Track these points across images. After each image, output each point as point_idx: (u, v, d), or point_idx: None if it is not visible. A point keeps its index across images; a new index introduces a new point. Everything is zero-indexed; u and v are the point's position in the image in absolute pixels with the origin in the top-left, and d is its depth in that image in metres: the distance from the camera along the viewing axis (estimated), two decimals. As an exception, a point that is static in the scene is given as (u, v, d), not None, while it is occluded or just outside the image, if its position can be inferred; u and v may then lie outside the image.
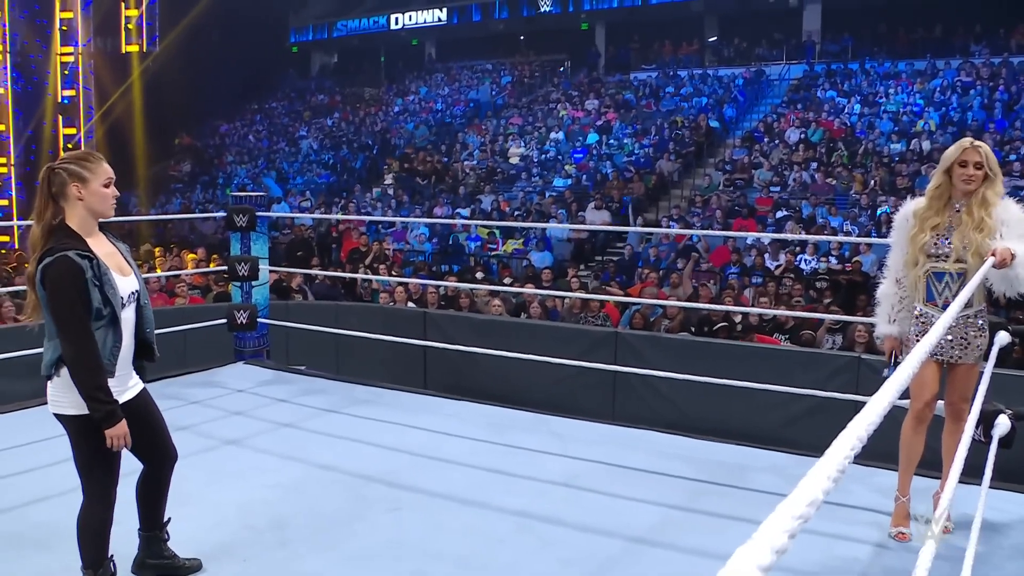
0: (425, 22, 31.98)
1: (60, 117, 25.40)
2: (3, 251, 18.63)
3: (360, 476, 4.51)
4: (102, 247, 3.06)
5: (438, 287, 10.80)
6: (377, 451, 4.93)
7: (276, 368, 7.17)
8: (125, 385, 3.14)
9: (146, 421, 3.23)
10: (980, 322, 3.66)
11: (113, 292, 2.98)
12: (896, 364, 3.83)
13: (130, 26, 25.60)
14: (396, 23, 32.15)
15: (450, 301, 10.69)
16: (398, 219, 17.94)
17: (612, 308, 9.86)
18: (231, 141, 29.25)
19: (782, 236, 11.97)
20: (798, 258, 12.63)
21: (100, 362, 2.95)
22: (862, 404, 4.42)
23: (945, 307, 3.62)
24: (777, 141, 19.08)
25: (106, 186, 3.04)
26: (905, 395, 3.83)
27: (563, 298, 10.08)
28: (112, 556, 3.10)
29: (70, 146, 24.57)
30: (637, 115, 22.81)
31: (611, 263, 14.03)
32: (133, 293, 3.12)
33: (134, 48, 25.84)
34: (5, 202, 24.46)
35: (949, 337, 3.64)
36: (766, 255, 12.92)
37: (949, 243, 3.59)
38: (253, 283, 7.27)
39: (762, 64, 25.04)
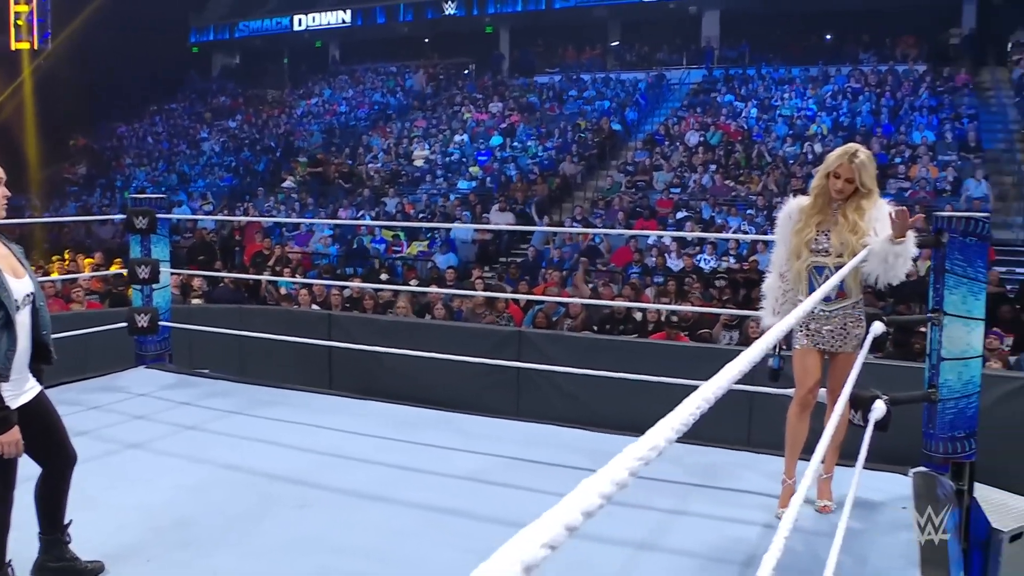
0: (329, 24, 31.70)
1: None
2: None
3: (266, 476, 4.53)
4: None
5: (342, 289, 10.78)
6: (283, 451, 4.95)
7: (179, 372, 7.09)
8: (21, 388, 3.11)
9: (44, 423, 3.21)
10: (858, 313, 3.90)
11: (7, 295, 2.95)
12: (780, 355, 4.05)
13: (19, 22, 24.76)
14: (300, 24, 31.82)
15: (355, 303, 10.69)
16: (303, 220, 17.80)
17: (516, 308, 9.99)
18: (130, 143, 28.51)
19: (681, 234, 12.30)
20: (697, 258, 12.98)
21: None
22: (755, 395, 4.63)
23: (827, 299, 3.85)
24: (677, 144, 19.54)
25: None
26: (791, 384, 4.05)
27: (467, 298, 10.18)
28: (10, 561, 3.08)
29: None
30: (541, 118, 23.08)
31: (514, 264, 14.19)
32: (28, 295, 3.09)
33: (24, 45, 24.99)
34: None
35: (829, 327, 3.86)
36: (667, 255, 13.25)
37: (829, 240, 3.81)
38: (154, 286, 7.18)
39: (663, 68, 25.61)
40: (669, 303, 9.83)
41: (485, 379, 7.96)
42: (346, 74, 31.63)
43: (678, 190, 17.14)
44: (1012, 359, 8.60)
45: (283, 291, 12.14)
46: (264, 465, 4.68)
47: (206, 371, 7.44)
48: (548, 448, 4.99)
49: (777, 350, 4.05)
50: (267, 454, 4.90)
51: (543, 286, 11.11)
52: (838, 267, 3.66)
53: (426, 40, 31.86)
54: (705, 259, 12.99)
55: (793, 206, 3.95)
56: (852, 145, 3.90)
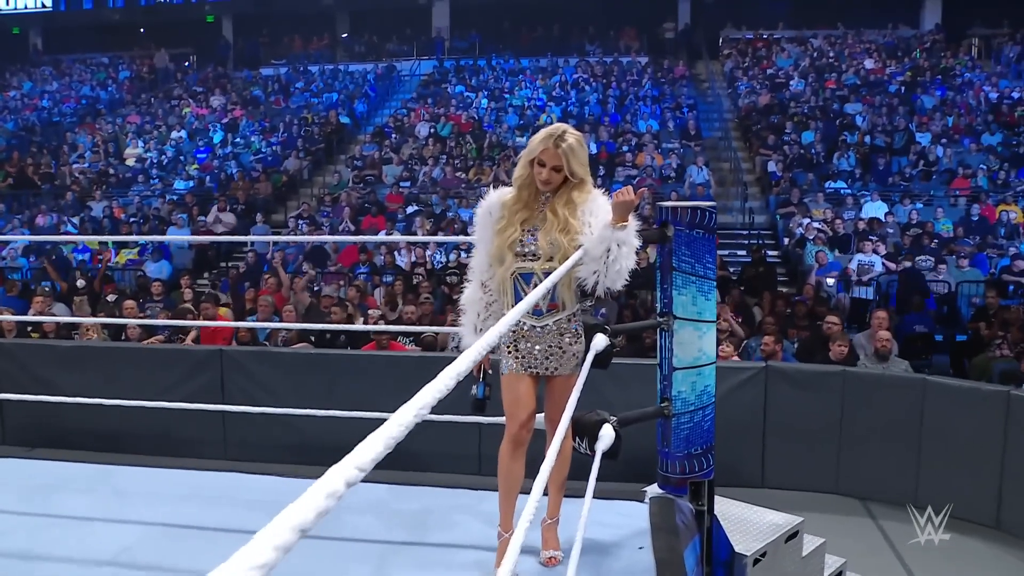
0: (26, 7, 28.61)
1: None
2: None
3: None
4: None
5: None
6: None
7: None
8: None
9: None
10: (575, 327, 3.24)
11: None
12: (486, 381, 3.34)
13: None
14: (-8, 7, 28.46)
15: (36, 325, 9.19)
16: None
17: (225, 318, 8.92)
18: None
19: (402, 239, 11.59)
20: (428, 253, 12.35)
21: None
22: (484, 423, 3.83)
23: (537, 313, 3.18)
24: (407, 136, 18.87)
25: None
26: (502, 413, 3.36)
27: (170, 313, 8.98)
28: None
29: None
30: (266, 111, 21.74)
31: (235, 269, 12.97)
32: None
33: None
34: None
35: (541, 347, 3.18)
36: (396, 252, 12.53)
37: (536, 241, 3.13)
38: None
39: (393, 60, 24.92)
40: (389, 305, 9.10)
41: (183, 411, 6.87)
42: (50, 65, 28.67)
43: (408, 184, 16.46)
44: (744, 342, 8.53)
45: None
46: None
47: None
48: (223, 506, 4.05)
49: (482, 376, 3.34)
50: None
51: (258, 293, 10.02)
52: (548, 274, 2.98)
53: (141, 29, 29.44)
54: (433, 257, 12.36)
55: (493, 200, 3.23)
56: (558, 126, 3.19)
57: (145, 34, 29.61)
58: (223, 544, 3.63)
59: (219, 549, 3.21)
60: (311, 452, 6.62)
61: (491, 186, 3.41)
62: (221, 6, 28.31)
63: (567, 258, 2.99)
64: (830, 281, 11.71)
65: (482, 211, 3.23)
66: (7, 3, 28.61)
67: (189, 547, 3.64)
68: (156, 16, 28.79)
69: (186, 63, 28.13)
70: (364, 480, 3.22)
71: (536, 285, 3.04)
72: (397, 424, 1.15)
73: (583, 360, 3.25)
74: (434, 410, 3.90)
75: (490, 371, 3.34)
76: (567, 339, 3.21)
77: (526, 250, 3.12)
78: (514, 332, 3.18)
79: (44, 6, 28.66)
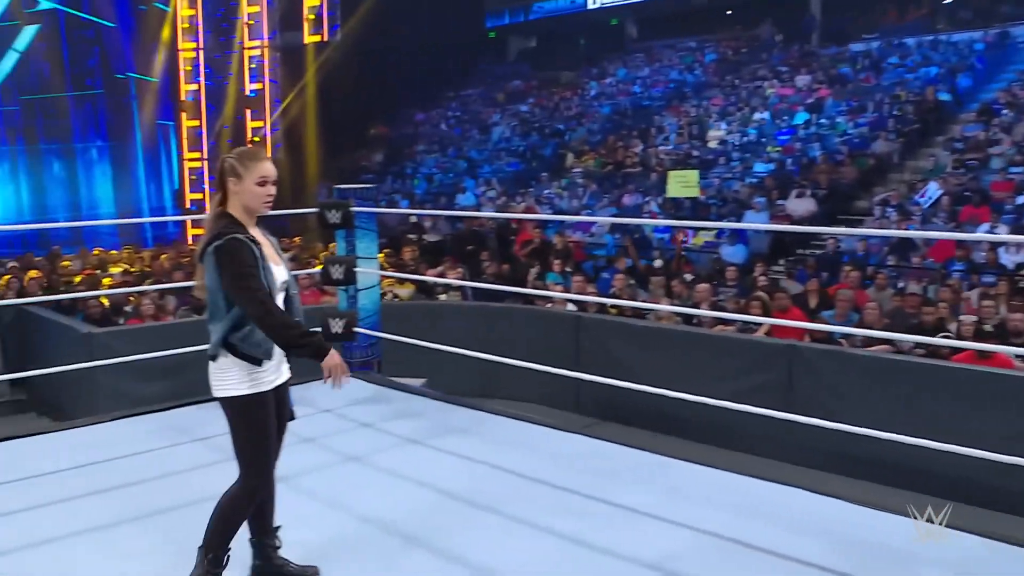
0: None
1: (247, 111, 25.58)
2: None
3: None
4: (258, 237, 3.13)
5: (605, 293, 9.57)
6: (401, 491, 3.93)
7: (382, 383, 6.20)
8: (279, 370, 3.19)
9: (279, 412, 3.20)
10: None
11: (271, 278, 3.06)
12: None
13: (311, 16, 25.71)
14: (594, 2, 30.78)
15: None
16: (551, 217, 16.84)
17: (799, 313, 8.33)
18: (424, 130, 28.93)
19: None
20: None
21: (284, 316, 3.03)
22: None
23: None
24: (1021, 114, 16.42)
25: (260, 184, 3.10)
26: None
27: (744, 300, 8.62)
28: (231, 549, 3.05)
29: (256, 139, 24.84)
30: (854, 90, 20.52)
31: (811, 258, 12.26)
32: (284, 282, 3.19)
33: (315, 39, 25.85)
34: (200, 195, 24.98)
35: None
36: (1001, 250, 10.85)
37: None
38: (357, 287, 6.33)
39: (1007, 25, 21.93)
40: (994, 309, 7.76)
41: (748, 403, 6.42)
42: (642, 51, 30.34)
43: (1019, 169, 14.24)
44: None
45: (553, 286, 10.95)
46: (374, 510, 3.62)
47: (419, 382, 6.56)
48: (775, 524, 3.49)
49: None
50: (392, 497, 3.86)
51: (836, 287, 9.24)
52: None
53: (728, 11, 29.81)
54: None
55: None
56: None
57: (730, 16, 29.90)
58: (768, 570, 3.11)
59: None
60: (880, 469, 5.82)
61: None
62: (813, -20, 27.46)
63: None
64: None
65: None
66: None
67: (736, 566, 3.16)
68: (741, -5, 28.89)
69: (773, 40, 27.78)
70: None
71: None
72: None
73: None
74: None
75: None
76: None
77: None
78: None
79: (638, -4, 30.24)
